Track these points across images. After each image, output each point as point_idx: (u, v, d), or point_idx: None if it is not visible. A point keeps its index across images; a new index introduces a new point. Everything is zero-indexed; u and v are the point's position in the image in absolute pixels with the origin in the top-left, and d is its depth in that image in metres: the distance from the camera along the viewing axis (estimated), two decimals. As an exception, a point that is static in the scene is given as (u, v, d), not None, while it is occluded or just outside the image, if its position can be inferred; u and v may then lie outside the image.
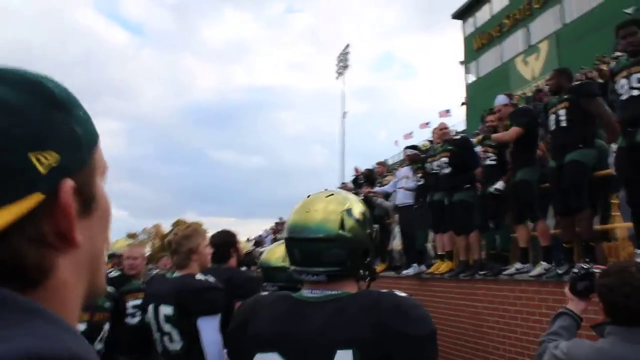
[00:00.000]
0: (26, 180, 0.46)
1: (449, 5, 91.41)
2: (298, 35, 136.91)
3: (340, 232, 1.31)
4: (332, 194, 1.39)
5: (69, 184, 0.49)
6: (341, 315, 1.24)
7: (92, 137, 0.55)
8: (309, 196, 1.42)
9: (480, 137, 5.88)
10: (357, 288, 1.38)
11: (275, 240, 14.81)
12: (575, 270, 2.05)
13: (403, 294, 1.30)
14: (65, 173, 0.49)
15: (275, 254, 2.46)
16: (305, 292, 1.35)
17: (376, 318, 1.20)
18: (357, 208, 1.37)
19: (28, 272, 0.47)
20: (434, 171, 7.11)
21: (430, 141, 8.73)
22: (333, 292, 1.31)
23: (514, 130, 5.44)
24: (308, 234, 1.32)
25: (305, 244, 1.32)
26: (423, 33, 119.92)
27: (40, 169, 0.47)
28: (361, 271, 1.37)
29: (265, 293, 1.57)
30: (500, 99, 6.19)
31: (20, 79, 0.50)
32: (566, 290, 2.06)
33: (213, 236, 3.51)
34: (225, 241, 3.40)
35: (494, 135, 5.69)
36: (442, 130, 7.18)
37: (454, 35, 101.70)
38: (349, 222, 1.32)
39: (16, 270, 0.46)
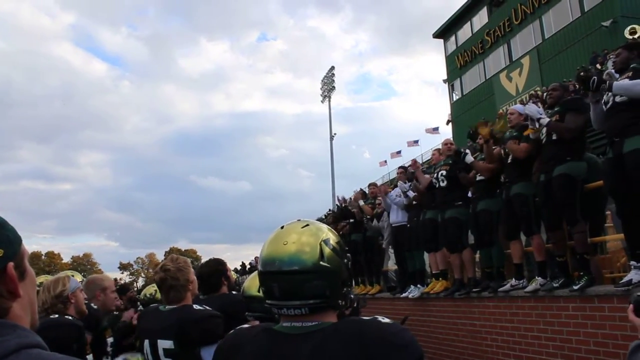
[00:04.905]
0: None
1: (421, 26, 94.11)
2: (274, 62, 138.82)
3: (320, 263, 1.27)
4: (307, 224, 1.35)
5: (10, 264, 0.91)
6: (325, 350, 1.20)
7: (18, 238, 0.96)
8: (282, 227, 1.37)
9: (477, 155, 5.85)
10: (337, 317, 1.34)
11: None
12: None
13: (387, 320, 1.25)
14: (8, 259, 0.91)
15: (255, 282, 2.42)
16: (286, 324, 1.31)
17: (360, 350, 1.16)
18: (333, 238, 1.34)
19: None
20: (423, 186, 7.09)
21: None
22: (313, 324, 1.27)
23: (525, 147, 5.43)
24: (286, 266, 1.27)
25: (283, 277, 1.27)
26: (397, 54, 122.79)
27: None
28: (340, 301, 1.33)
29: (247, 326, 1.52)
30: (519, 107, 6.07)
31: None
32: (632, 317, 1.83)
33: (202, 266, 3.45)
34: (215, 270, 3.33)
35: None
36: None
37: (432, 54, 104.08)
38: (327, 253, 1.29)
39: None
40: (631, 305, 1.81)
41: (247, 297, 2.43)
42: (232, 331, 1.45)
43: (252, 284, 2.43)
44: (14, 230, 0.96)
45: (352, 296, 1.42)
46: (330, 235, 1.34)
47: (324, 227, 1.38)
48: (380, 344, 1.17)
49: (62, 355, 0.87)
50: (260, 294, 2.28)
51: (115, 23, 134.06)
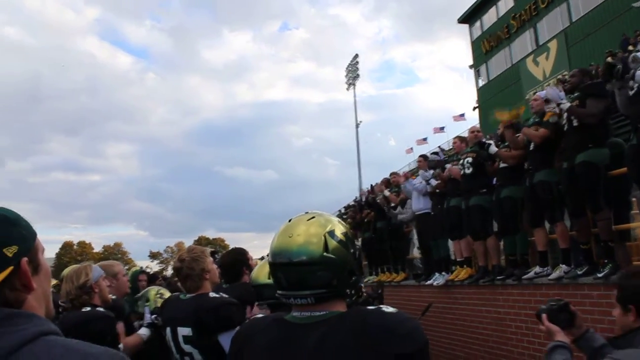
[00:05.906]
0: (4, 261, 0.94)
1: (443, 12, 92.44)
2: (296, 51, 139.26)
3: (325, 254, 1.32)
4: (314, 217, 1.40)
5: (24, 259, 0.97)
6: (330, 340, 1.26)
7: (32, 234, 1.03)
8: (290, 220, 1.43)
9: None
10: (346, 306, 1.40)
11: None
12: (553, 303, 2.05)
13: (391, 310, 1.31)
14: (22, 255, 0.97)
15: (264, 270, 2.49)
16: (295, 313, 1.37)
17: (364, 340, 1.22)
18: (339, 229, 1.39)
19: (12, 304, 0.96)
20: (452, 177, 7.11)
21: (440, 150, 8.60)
22: (321, 313, 1.33)
23: (543, 132, 5.41)
24: (292, 258, 1.32)
25: (289, 269, 1.33)
26: (420, 41, 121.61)
27: (9, 255, 0.95)
28: (348, 291, 1.39)
29: (260, 315, 1.59)
30: (543, 93, 5.78)
31: None
32: (548, 324, 2.01)
33: (223, 256, 3.52)
34: (235, 260, 3.39)
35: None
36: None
37: (455, 39, 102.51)
38: (332, 244, 1.34)
39: (8, 302, 0.95)
40: (544, 315, 2.03)
41: (255, 286, 2.51)
42: (246, 322, 1.53)
43: (259, 273, 2.52)
44: (28, 226, 1.03)
45: (361, 286, 1.48)
46: (336, 226, 1.39)
47: (332, 218, 1.43)
48: (384, 332, 1.23)
49: (76, 341, 0.96)
50: (270, 280, 2.40)
51: (139, 16, 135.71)
